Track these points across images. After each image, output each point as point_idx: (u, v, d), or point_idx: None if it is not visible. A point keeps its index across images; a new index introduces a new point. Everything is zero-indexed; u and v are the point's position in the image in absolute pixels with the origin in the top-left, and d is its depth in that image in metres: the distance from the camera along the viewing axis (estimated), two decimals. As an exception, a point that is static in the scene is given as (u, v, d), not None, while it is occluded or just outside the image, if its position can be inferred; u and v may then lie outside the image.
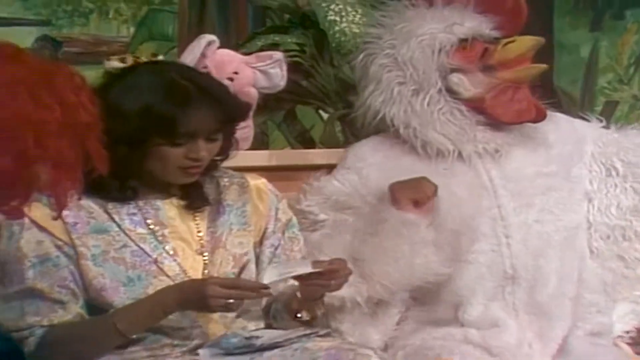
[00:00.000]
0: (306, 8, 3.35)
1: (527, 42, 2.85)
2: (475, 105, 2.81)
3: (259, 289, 2.52)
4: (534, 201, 2.84)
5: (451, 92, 2.81)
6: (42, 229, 2.57)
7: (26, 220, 2.56)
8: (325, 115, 3.46)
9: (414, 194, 2.74)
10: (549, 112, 2.90)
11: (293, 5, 3.45)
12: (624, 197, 2.95)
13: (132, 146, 2.57)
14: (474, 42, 2.81)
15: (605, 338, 2.83)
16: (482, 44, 2.82)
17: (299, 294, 2.66)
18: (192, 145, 2.60)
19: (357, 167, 2.87)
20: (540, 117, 2.86)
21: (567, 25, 3.67)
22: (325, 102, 3.35)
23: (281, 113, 3.43)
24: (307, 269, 2.55)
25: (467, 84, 2.81)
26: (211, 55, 2.82)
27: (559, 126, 2.95)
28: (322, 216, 2.88)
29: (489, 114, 2.81)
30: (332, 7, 3.23)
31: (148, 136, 2.58)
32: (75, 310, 2.57)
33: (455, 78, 2.80)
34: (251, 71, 2.82)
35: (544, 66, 2.95)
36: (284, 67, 2.85)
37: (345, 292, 2.67)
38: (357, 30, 3.20)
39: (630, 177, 2.94)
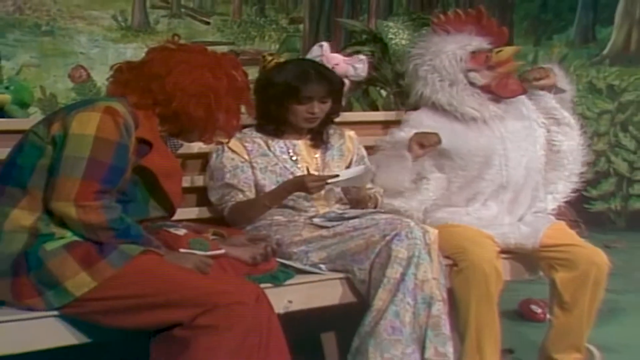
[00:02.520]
0: (375, 31, 3.27)
1: (510, 50, 2.72)
2: (486, 89, 2.66)
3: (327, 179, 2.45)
4: (521, 144, 2.69)
5: (471, 83, 2.66)
6: (233, 152, 2.53)
7: (225, 147, 2.52)
8: (384, 93, 3.34)
9: (421, 139, 2.57)
10: None
11: (368, 30, 3.39)
12: (544, 129, 2.78)
13: (278, 104, 2.51)
14: (479, 53, 2.66)
15: (543, 214, 2.72)
16: (484, 53, 2.66)
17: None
18: (310, 105, 2.51)
19: (416, 126, 2.67)
20: (524, 93, 2.73)
21: (521, 42, 3.57)
22: (385, 85, 3.24)
23: (359, 91, 3.31)
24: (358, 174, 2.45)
25: (479, 78, 2.65)
26: (325, 54, 2.72)
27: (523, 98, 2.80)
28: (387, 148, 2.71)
29: (495, 93, 2.66)
30: (391, 30, 3.13)
31: (286, 98, 2.50)
32: (249, 196, 2.52)
33: (472, 75, 2.65)
34: (345, 65, 2.68)
35: (522, 63, 2.86)
36: (366, 64, 2.71)
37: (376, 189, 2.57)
38: (405, 43, 3.10)
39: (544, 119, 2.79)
